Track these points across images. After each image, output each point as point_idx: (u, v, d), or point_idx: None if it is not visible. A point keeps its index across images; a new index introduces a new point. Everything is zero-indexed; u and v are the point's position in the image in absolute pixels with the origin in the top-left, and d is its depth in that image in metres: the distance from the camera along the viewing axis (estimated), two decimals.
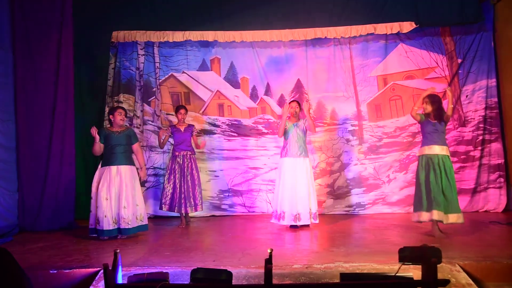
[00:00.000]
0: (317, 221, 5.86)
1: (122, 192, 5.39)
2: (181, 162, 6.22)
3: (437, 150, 5.23)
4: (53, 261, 4.33)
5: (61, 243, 5.23)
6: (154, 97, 7.29)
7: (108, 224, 5.29)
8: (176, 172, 6.20)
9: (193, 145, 6.37)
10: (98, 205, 5.32)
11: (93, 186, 5.50)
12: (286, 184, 5.82)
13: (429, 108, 5.34)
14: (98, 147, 5.57)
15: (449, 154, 5.31)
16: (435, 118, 5.29)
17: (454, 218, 5.10)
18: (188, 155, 6.28)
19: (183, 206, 6.18)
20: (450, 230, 5.27)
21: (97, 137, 5.51)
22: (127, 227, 5.37)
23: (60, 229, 6.08)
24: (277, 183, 6.06)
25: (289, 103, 6.08)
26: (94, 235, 5.38)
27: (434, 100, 5.36)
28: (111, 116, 5.69)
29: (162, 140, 6.32)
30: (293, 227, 5.87)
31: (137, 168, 5.71)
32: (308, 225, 5.85)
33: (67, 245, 5.16)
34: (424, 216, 5.17)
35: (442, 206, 5.07)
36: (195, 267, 2.87)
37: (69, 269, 4.01)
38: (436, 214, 5.07)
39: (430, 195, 5.12)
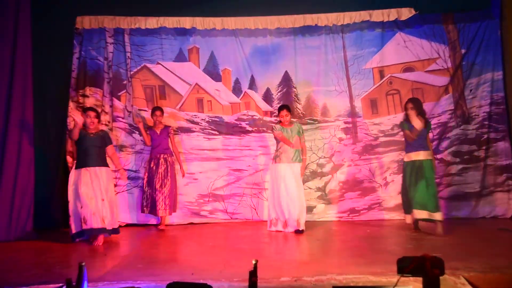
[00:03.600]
0: None
1: (102, 193, 5.68)
2: (158, 165, 6.60)
3: (422, 155, 5.86)
4: (7, 277, 4.24)
5: (17, 256, 5.14)
6: (124, 90, 7.22)
7: (97, 222, 5.55)
8: (154, 175, 6.59)
9: (170, 146, 6.73)
10: (83, 205, 5.54)
11: (69, 189, 5.71)
12: (284, 191, 6.13)
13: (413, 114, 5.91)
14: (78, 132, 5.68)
15: (432, 158, 5.99)
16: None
17: (425, 214, 5.75)
18: (165, 158, 6.66)
19: (162, 209, 6.55)
20: (454, 238, 5.32)
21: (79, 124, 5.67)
22: (109, 228, 5.69)
23: (17, 240, 5.97)
24: (271, 190, 6.34)
25: (279, 111, 6.31)
26: (80, 238, 5.61)
27: (417, 105, 5.97)
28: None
29: (146, 135, 6.66)
30: (298, 232, 6.05)
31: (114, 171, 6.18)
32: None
33: (25, 258, 5.07)
34: (408, 218, 5.93)
35: (419, 205, 5.74)
36: (171, 281, 2.85)
37: (26, 286, 3.93)
38: (417, 213, 5.76)
39: (412, 198, 5.79)
